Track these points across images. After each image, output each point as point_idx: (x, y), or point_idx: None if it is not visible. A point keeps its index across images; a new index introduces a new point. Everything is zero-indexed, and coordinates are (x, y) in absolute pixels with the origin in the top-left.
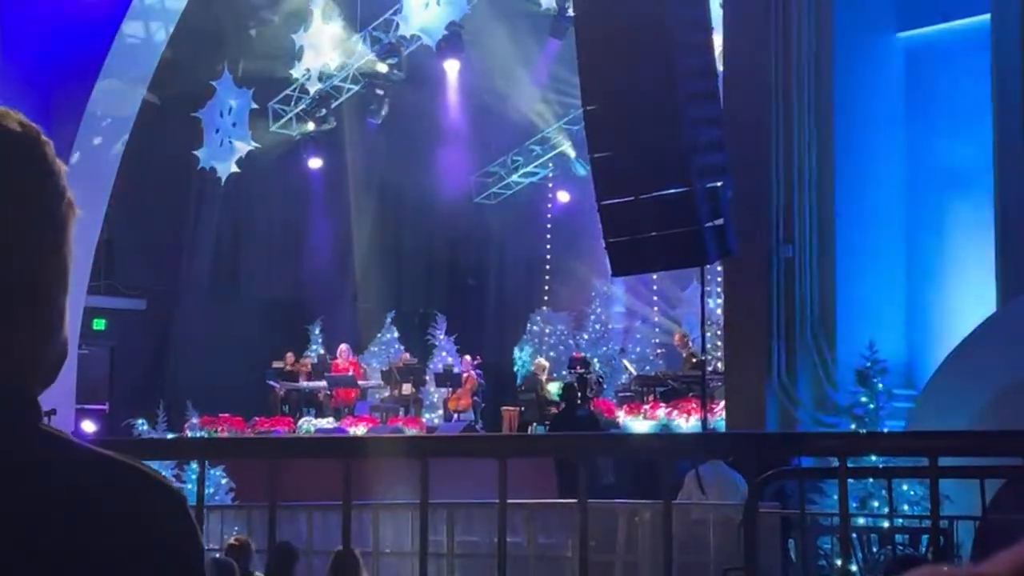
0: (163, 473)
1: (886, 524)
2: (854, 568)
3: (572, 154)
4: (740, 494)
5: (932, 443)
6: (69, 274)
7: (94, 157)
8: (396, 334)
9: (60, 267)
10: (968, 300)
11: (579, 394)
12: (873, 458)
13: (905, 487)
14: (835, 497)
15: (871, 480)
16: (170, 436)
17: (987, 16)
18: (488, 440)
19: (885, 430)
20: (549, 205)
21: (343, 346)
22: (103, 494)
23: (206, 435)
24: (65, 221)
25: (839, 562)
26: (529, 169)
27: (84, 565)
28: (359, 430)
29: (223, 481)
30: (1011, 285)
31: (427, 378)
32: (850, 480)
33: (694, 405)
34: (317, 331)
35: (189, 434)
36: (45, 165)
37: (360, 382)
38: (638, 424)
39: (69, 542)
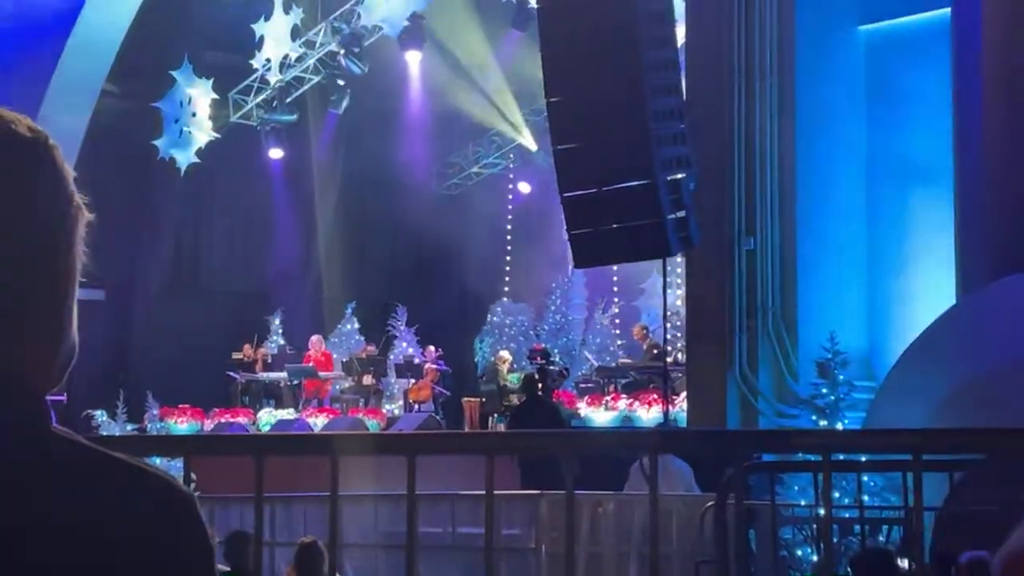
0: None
1: (846, 514)
2: (815, 559)
3: (534, 147)
4: (686, 483)
5: (916, 440)
6: (78, 275)
7: None
8: (357, 325)
9: (70, 269)
10: (928, 292)
11: (540, 385)
12: None
13: (865, 477)
14: (796, 488)
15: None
16: (130, 427)
17: (947, 10)
18: (476, 437)
19: (840, 425)
20: (510, 196)
21: (315, 337)
22: (116, 497)
23: (165, 426)
24: (75, 224)
25: (799, 552)
26: (490, 160)
27: (97, 570)
28: (319, 421)
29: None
30: (971, 277)
31: (388, 369)
32: (814, 471)
33: (655, 396)
34: (277, 322)
35: (149, 425)
36: (55, 169)
37: (322, 373)
38: (599, 415)
39: (82, 546)
